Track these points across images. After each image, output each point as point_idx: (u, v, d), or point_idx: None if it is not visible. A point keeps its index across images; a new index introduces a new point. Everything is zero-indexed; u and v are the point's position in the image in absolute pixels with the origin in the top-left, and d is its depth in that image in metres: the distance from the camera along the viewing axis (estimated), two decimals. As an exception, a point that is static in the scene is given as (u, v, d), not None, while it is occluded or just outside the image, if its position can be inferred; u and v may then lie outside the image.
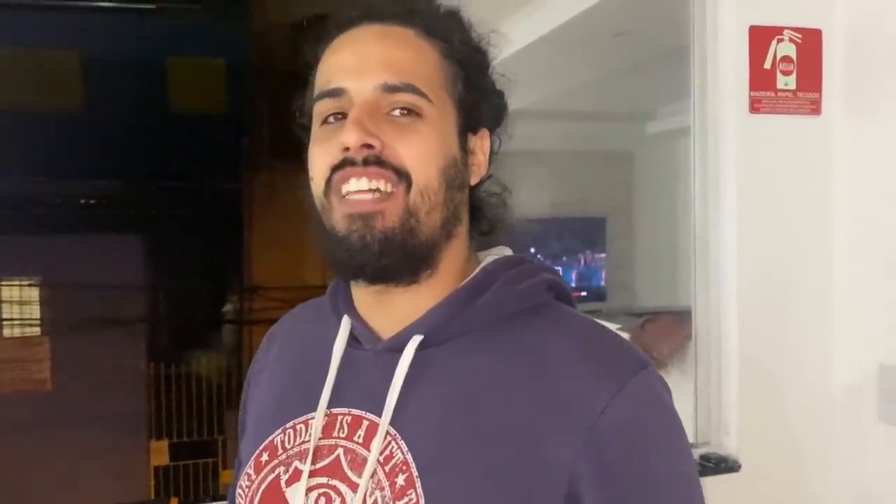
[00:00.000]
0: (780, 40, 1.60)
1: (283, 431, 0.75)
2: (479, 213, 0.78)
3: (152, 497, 5.24)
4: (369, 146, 0.67)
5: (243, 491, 0.75)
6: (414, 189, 0.68)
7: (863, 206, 1.61)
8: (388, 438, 0.68)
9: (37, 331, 5.47)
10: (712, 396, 1.66)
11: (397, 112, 0.69)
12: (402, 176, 0.68)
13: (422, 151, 0.69)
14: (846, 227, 1.63)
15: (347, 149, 0.68)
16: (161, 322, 5.71)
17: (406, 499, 0.65)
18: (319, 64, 0.74)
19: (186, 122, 5.99)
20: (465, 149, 0.74)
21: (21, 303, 5.42)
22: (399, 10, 0.74)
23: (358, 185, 0.68)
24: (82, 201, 5.56)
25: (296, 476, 0.71)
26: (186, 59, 6.22)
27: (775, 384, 1.63)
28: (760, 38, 1.59)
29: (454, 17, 0.77)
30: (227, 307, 5.89)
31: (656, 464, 0.68)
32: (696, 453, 1.64)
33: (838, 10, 1.63)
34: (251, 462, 0.75)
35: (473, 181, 0.76)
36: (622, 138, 3.82)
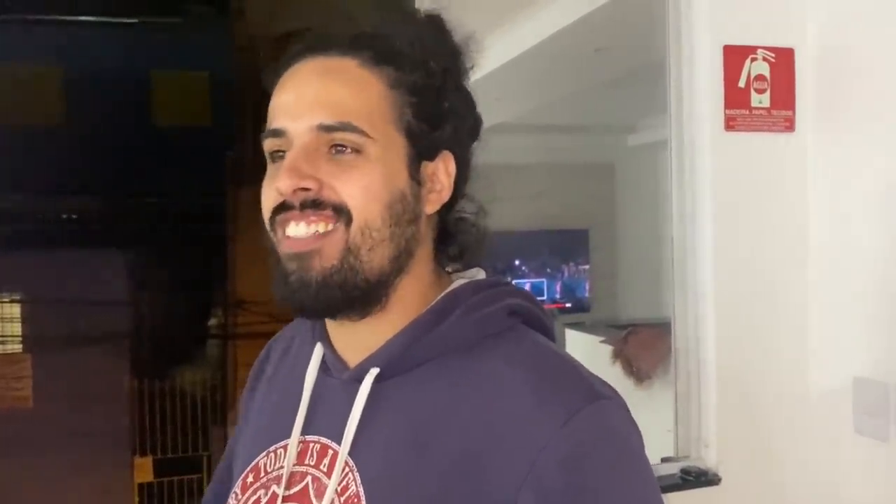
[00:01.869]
0: (753, 59, 1.63)
1: (266, 455, 0.78)
2: (448, 237, 0.76)
3: (137, 514, 5.19)
4: (305, 189, 0.67)
5: None
6: (354, 226, 0.68)
7: (837, 221, 1.64)
8: (347, 469, 0.70)
9: (18, 348, 5.42)
10: (692, 410, 1.68)
11: (333, 150, 0.69)
12: (342, 213, 0.68)
13: (362, 188, 0.68)
14: (821, 242, 1.66)
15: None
16: (145, 337, 5.68)
17: None
18: (272, 98, 0.74)
19: (170, 137, 5.97)
20: (416, 179, 0.72)
21: (2, 319, 5.37)
22: (348, 36, 0.72)
23: (297, 231, 0.68)
24: (65, 216, 5.53)
25: (272, 500, 0.74)
26: (170, 73, 6.21)
27: (753, 397, 1.65)
28: (734, 57, 1.62)
29: (416, 32, 0.75)
30: (212, 322, 5.87)
31: (604, 500, 0.65)
32: (676, 467, 1.65)
33: (810, 30, 1.66)
34: (239, 482, 0.79)
35: (432, 209, 0.74)
36: (603, 150, 3.87)
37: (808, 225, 1.67)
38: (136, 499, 5.50)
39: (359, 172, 0.68)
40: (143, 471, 5.50)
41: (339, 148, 0.69)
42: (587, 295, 3.88)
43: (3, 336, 5.37)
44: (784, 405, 1.66)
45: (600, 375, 0.72)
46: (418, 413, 0.70)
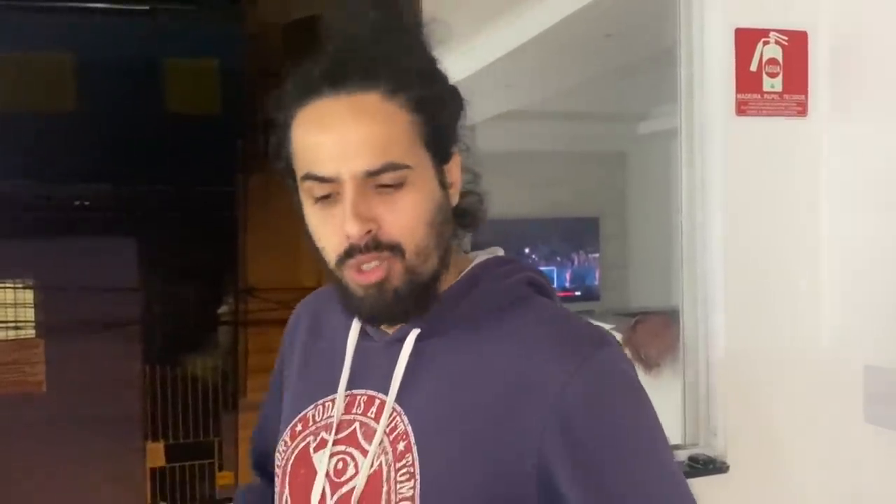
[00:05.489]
0: (766, 42, 1.60)
1: (315, 407, 0.89)
2: (462, 213, 0.86)
3: (149, 498, 5.24)
4: (368, 231, 0.76)
5: (280, 454, 0.90)
6: (409, 255, 0.78)
7: (849, 207, 1.61)
8: (394, 413, 0.81)
9: (31, 333, 5.46)
10: (700, 398, 1.67)
11: (382, 188, 0.76)
12: (397, 250, 0.78)
13: (409, 218, 0.78)
14: (833, 229, 1.64)
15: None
16: (156, 324, 5.70)
17: (404, 460, 0.79)
18: (295, 132, 0.79)
19: (181, 124, 5.98)
20: (444, 185, 0.81)
21: (16, 305, 5.40)
22: (360, 68, 0.77)
23: (368, 266, 0.78)
24: (76, 203, 5.54)
25: (321, 444, 0.85)
26: (180, 60, 6.20)
27: (762, 386, 1.63)
28: (746, 40, 1.60)
29: (407, 43, 0.80)
30: (223, 309, 5.89)
31: (619, 428, 0.77)
32: (685, 454, 1.65)
33: (824, 12, 1.64)
34: (288, 430, 0.90)
35: (454, 202, 0.83)
36: (614, 138, 3.83)
37: (820, 212, 1.65)
38: (149, 483, 5.54)
39: (405, 205, 0.77)
40: (156, 456, 5.53)
41: (386, 186, 0.76)
42: (597, 283, 3.87)
43: (16, 321, 5.40)
44: (793, 393, 1.65)
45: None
46: (455, 366, 0.81)
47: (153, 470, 5.68)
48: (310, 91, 0.78)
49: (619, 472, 0.76)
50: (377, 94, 0.77)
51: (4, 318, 5.61)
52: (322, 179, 0.77)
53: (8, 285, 5.70)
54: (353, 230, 0.76)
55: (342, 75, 0.77)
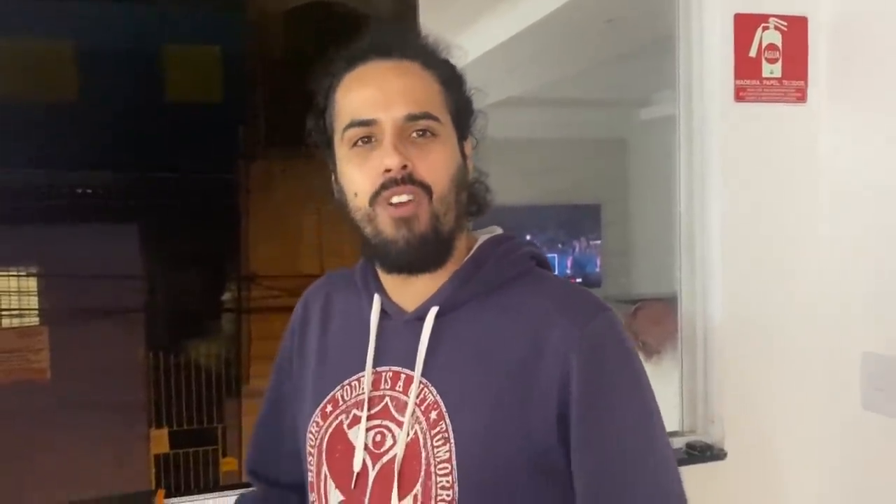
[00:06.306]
0: (765, 28, 1.59)
1: (342, 387, 0.95)
2: (470, 199, 0.95)
3: (153, 484, 5.27)
4: (405, 166, 0.86)
5: (313, 435, 0.96)
6: (435, 198, 0.87)
7: (848, 194, 1.61)
8: (422, 386, 0.89)
9: (35, 321, 5.48)
10: (698, 385, 1.67)
11: (415, 134, 0.87)
12: (426, 189, 0.87)
13: (439, 166, 0.88)
14: (831, 215, 1.63)
15: (389, 169, 0.85)
16: (159, 311, 5.72)
17: (438, 428, 0.87)
18: (340, 94, 0.91)
19: (182, 111, 5.96)
20: (463, 155, 0.92)
21: (20, 293, 5.42)
22: (400, 44, 0.90)
23: (399, 199, 0.87)
24: (79, 191, 5.55)
25: (355, 421, 0.92)
26: (182, 47, 6.17)
27: (760, 373, 1.63)
28: (746, 25, 1.59)
29: (436, 43, 0.94)
30: (226, 296, 5.90)
31: (615, 375, 0.88)
32: (683, 441, 1.65)
33: (824, -2, 1.62)
34: (318, 412, 0.96)
35: (469, 176, 0.93)
36: (616, 125, 3.82)
37: (819, 198, 1.65)
38: (153, 469, 5.58)
39: (435, 153, 0.87)
40: (159, 442, 5.56)
41: (421, 132, 0.87)
42: (598, 270, 3.86)
43: (20, 309, 5.43)
44: (791, 380, 1.65)
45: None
46: (473, 338, 0.89)
47: (157, 456, 5.72)
48: (357, 58, 0.90)
49: (612, 409, 0.87)
50: (417, 63, 0.89)
51: (8, 306, 5.64)
52: (364, 123, 0.87)
53: (11, 273, 5.72)
54: (394, 161, 0.85)
55: (388, 46, 0.90)
